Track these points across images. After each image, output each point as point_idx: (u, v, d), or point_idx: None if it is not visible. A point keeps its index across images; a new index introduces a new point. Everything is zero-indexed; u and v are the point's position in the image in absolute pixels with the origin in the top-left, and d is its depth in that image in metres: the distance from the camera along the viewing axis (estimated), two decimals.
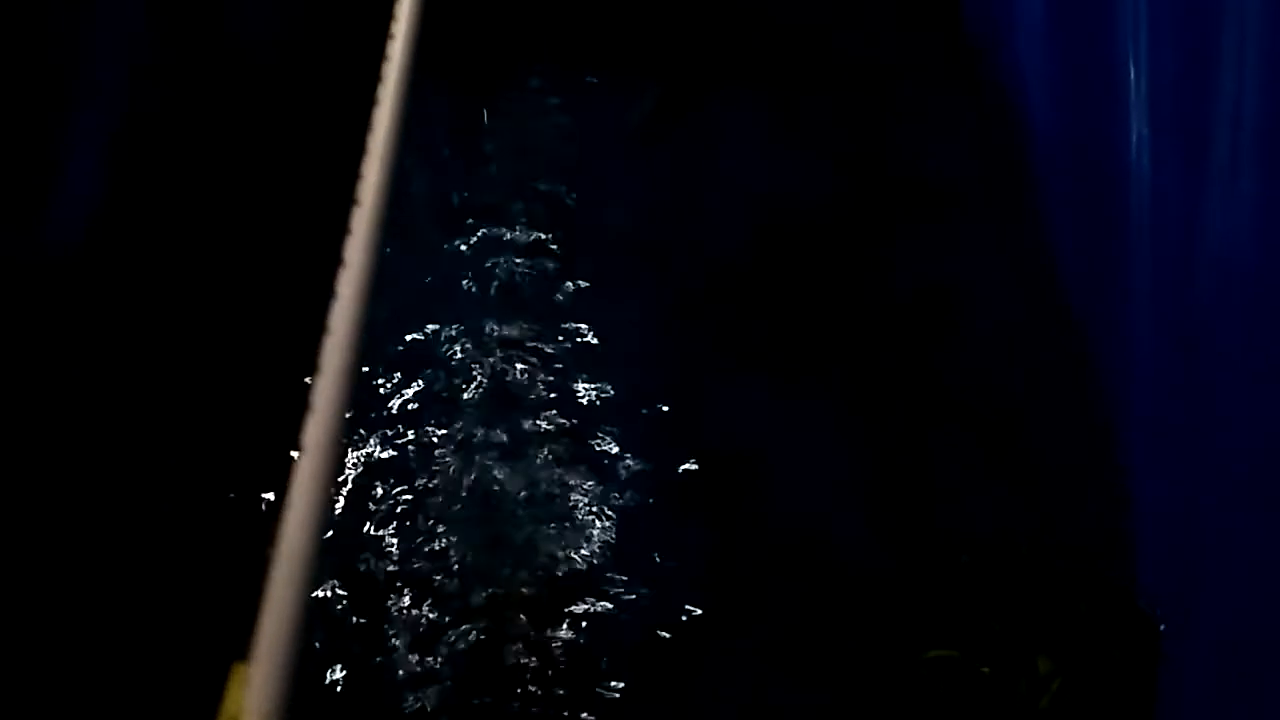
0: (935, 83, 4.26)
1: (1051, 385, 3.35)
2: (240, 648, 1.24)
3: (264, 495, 2.87)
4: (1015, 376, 3.38)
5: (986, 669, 2.70)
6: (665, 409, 3.31)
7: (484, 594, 2.90)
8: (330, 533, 2.68)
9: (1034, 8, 3.72)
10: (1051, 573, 2.88)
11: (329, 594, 2.84)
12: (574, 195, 3.89)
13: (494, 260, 3.66)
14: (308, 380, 1.42)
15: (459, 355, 3.42)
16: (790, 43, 4.42)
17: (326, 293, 1.36)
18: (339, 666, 2.74)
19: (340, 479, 2.71)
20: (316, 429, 1.39)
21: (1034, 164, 3.73)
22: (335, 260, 1.37)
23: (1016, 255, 3.65)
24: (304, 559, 1.28)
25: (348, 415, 1.43)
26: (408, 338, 3.42)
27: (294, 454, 1.35)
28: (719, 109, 4.19)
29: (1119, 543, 2.92)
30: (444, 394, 3.33)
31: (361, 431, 3.17)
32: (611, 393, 3.34)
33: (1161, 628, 2.74)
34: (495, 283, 3.60)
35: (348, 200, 1.44)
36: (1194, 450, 2.65)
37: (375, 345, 3.33)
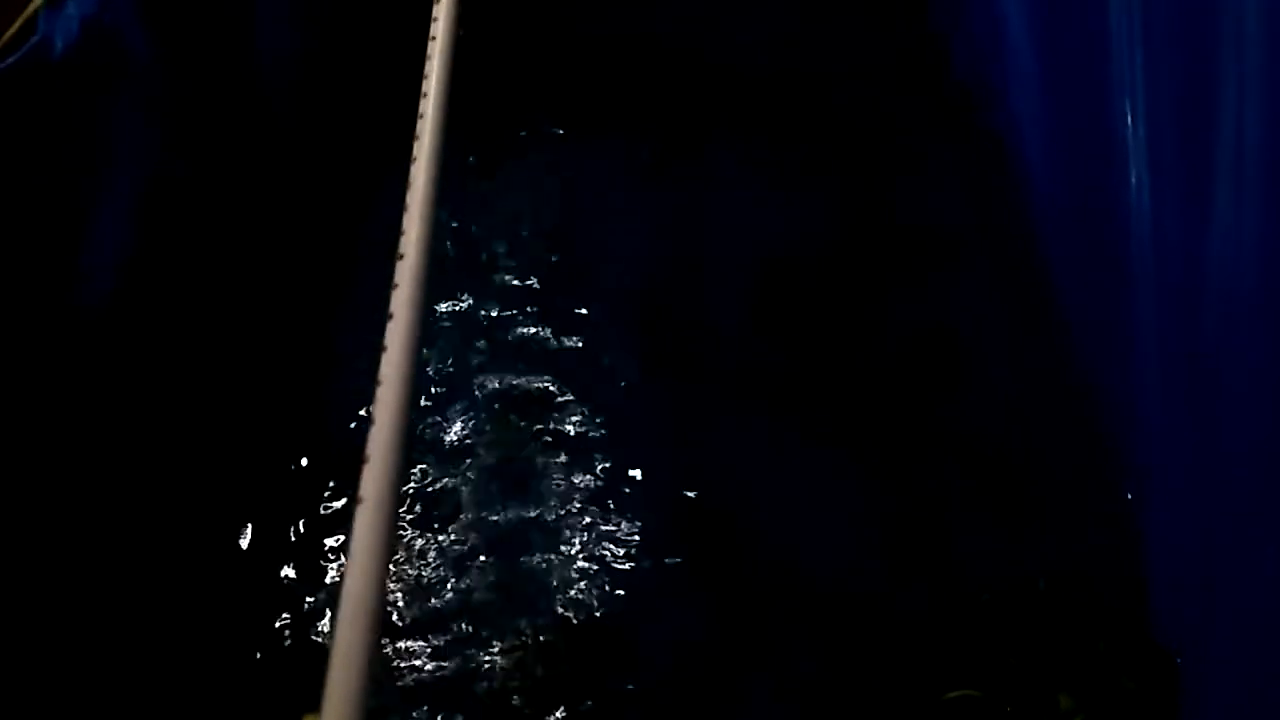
0: (927, 131, 4.36)
1: (1056, 426, 3.39)
2: (310, 698, 1.25)
3: (296, 536, 2.89)
4: (1020, 418, 3.43)
5: (1009, 708, 2.71)
6: (666, 456, 3.33)
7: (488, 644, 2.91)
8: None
9: (1025, 57, 3.81)
10: (1068, 609, 2.91)
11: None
12: (574, 245, 3.95)
13: (492, 308, 3.70)
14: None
15: (454, 400, 3.44)
16: (782, 95, 4.52)
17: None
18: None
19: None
20: (374, 479, 1.42)
21: (1032, 209, 3.80)
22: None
23: (1018, 300, 3.71)
24: (370, 609, 1.30)
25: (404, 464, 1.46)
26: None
27: (356, 502, 1.37)
28: (716, 159, 4.27)
29: (1132, 577, 2.95)
30: (443, 440, 3.35)
31: None
32: (613, 441, 3.37)
33: (1178, 660, 2.76)
34: (493, 330, 3.64)
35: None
36: (1203, 484, 2.68)
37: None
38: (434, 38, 2.00)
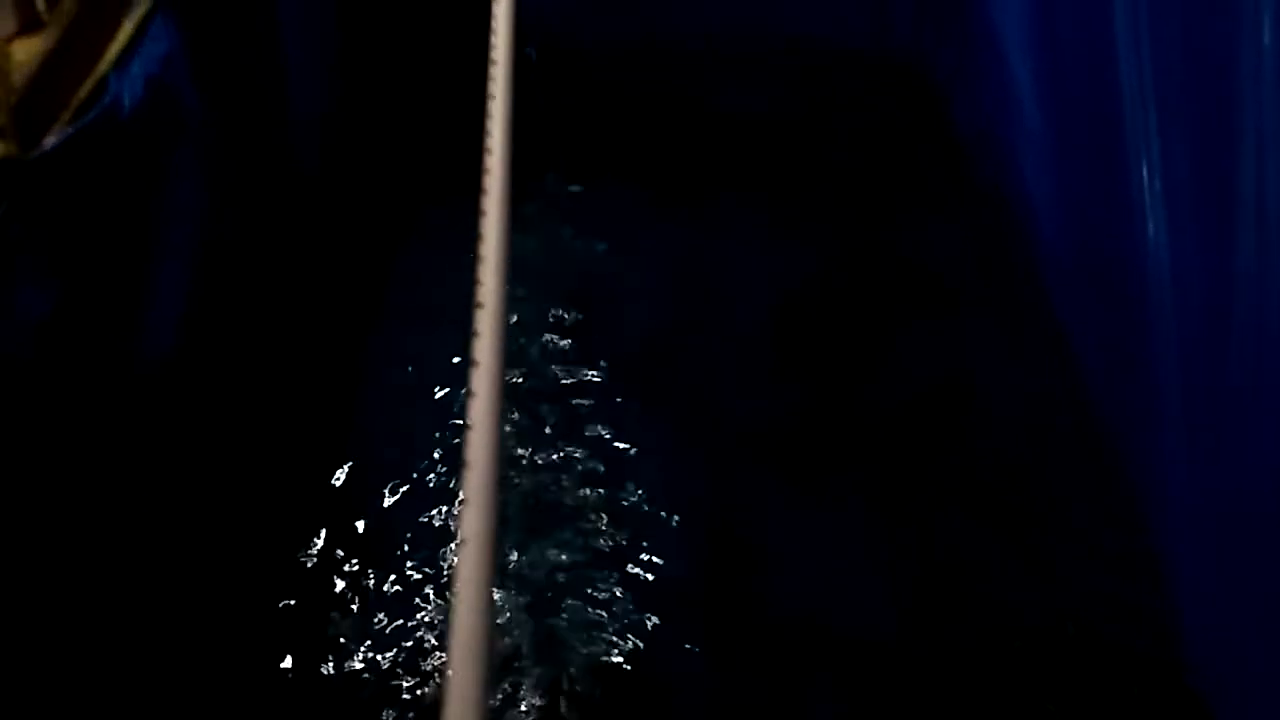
0: (930, 180, 4.47)
1: (1074, 472, 3.43)
2: None
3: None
4: (1038, 465, 3.46)
5: None
6: (683, 504, 3.35)
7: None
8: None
9: (1032, 113, 3.92)
10: (1100, 654, 2.93)
11: None
12: (585, 289, 3.99)
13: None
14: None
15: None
16: (784, 147, 4.62)
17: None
18: None
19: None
20: (473, 520, 1.44)
21: (1040, 258, 3.89)
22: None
23: (1028, 346, 3.78)
24: (481, 644, 1.32)
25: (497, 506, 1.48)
26: (431, 427, 3.48)
27: (456, 545, 1.39)
28: (721, 212, 4.34)
29: (1162, 622, 2.98)
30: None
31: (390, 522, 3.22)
32: (632, 494, 3.38)
33: (1211, 704, 2.78)
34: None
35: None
36: (1233, 530, 2.72)
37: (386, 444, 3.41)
38: (493, 96, 2.05)
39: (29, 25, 2.19)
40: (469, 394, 1.60)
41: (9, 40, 2.02)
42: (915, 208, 4.39)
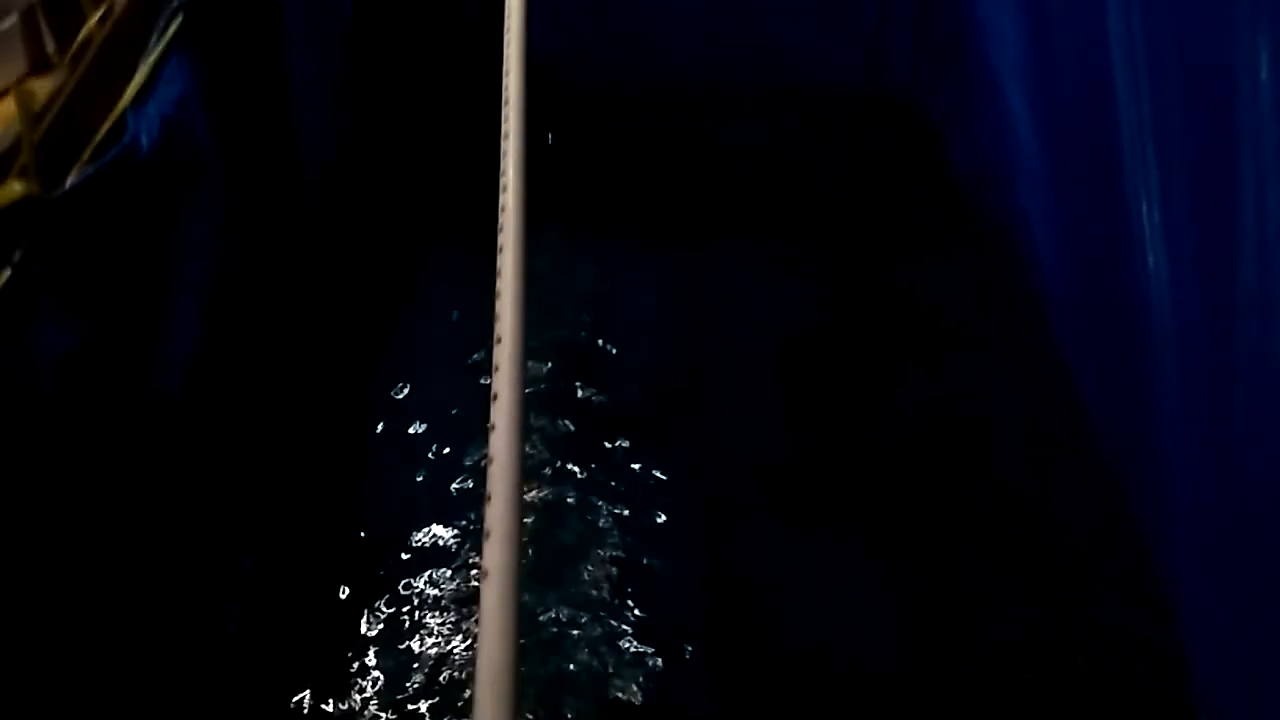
0: (928, 218, 4.51)
1: (1078, 503, 3.44)
2: None
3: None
4: (1042, 498, 3.47)
5: None
6: (691, 545, 3.35)
7: None
8: None
9: (1030, 150, 3.96)
10: (1109, 684, 2.93)
11: None
12: (588, 336, 4.01)
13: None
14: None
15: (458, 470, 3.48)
16: (784, 185, 4.66)
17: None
18: None
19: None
20: (495, 552, 1.44)
21: (1041, 292, 3.91)
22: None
23: (1030, 381, 3.79)
24: (507, 677, 1.31)
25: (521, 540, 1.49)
26: (430, 468, 3.48)
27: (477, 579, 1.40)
28: (723, 251, 4.37)
29: (1169, 654, 2.98)
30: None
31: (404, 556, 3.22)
32: (637, 533, 3.38)
33: None
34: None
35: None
36: (1236, 558, 2.72)
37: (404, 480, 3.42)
38: (507, 135, 2.08)
39: (39, 66, 2.23)
40: (490, 427, 1.61)
41: (20, 80, 2.06)
42: (914, 244, 4.43)
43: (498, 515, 1.49)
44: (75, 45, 2.50)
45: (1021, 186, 4.04)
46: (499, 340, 1.74)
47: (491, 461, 1.56)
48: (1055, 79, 3.80)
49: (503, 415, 1.62)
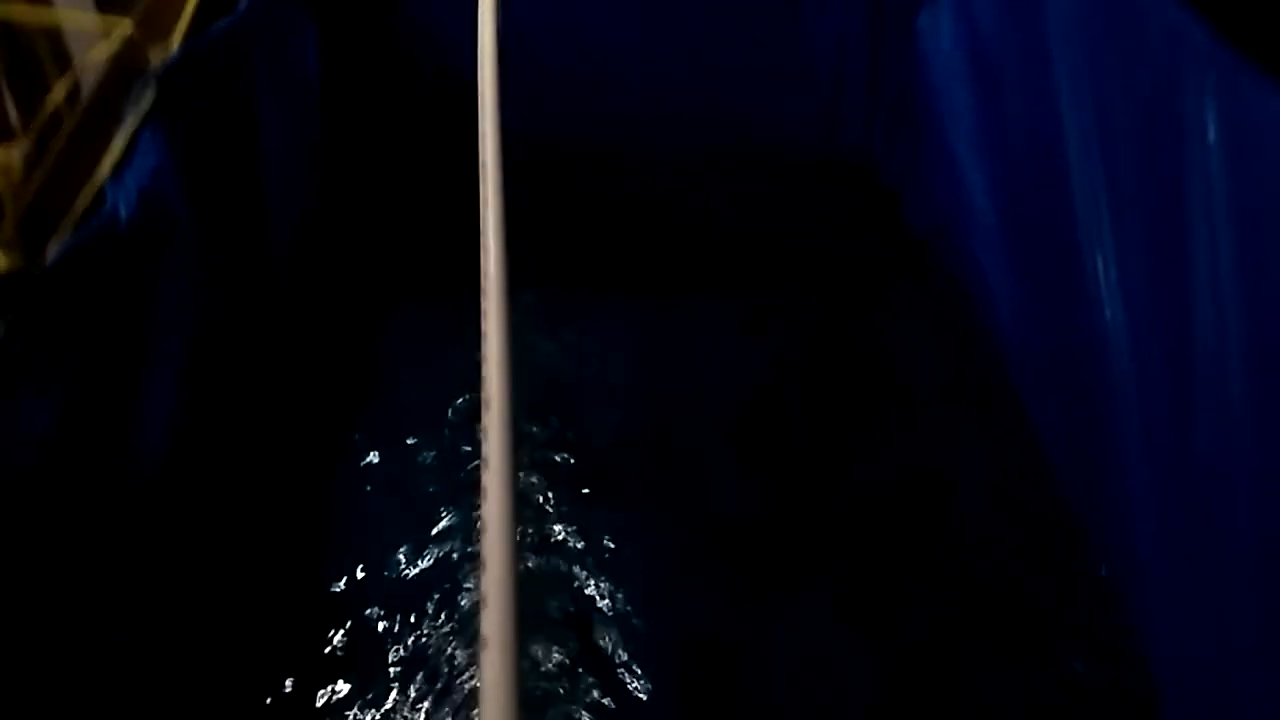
0: (889, 278, 4.59)
1: (1046, 557, 3.48)
2: None
3: None
4: (1010, 552, 3.51)
5: None
6: (659, 608, 3.34)
7: None
8: None
9: (986, 212, 4.06)
10: None
11: None
12: (556, 398, 4.02)
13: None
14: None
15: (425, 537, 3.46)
16: (748, 247, 4.74)
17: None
18: None
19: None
20: (494, 621, 1.44)
21: (1001, 349, 3.99)
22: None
23: (994, 436, 3.85)
24: None
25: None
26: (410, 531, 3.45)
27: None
28: (689, 312, 4.42)
29: (1140, 703, 3.01)
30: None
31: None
32: (604, 597, 3.37)
33: None
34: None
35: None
36: (1205, 606, 2.77)
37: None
38: (485, 201, 2.11)
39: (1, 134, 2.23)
40: (481, 493, 1.61)
41: None
42: (875, 301, 4.50)
43: (493, 583, 1.48)
44: (42, 115, 2.51)
45: (978, 244, 4.14)
46: (487, 405, 1.75)
47: (485, 529, 1.56)
48: (1007, 140, 3.91)
49: (494, 481, 1.62)
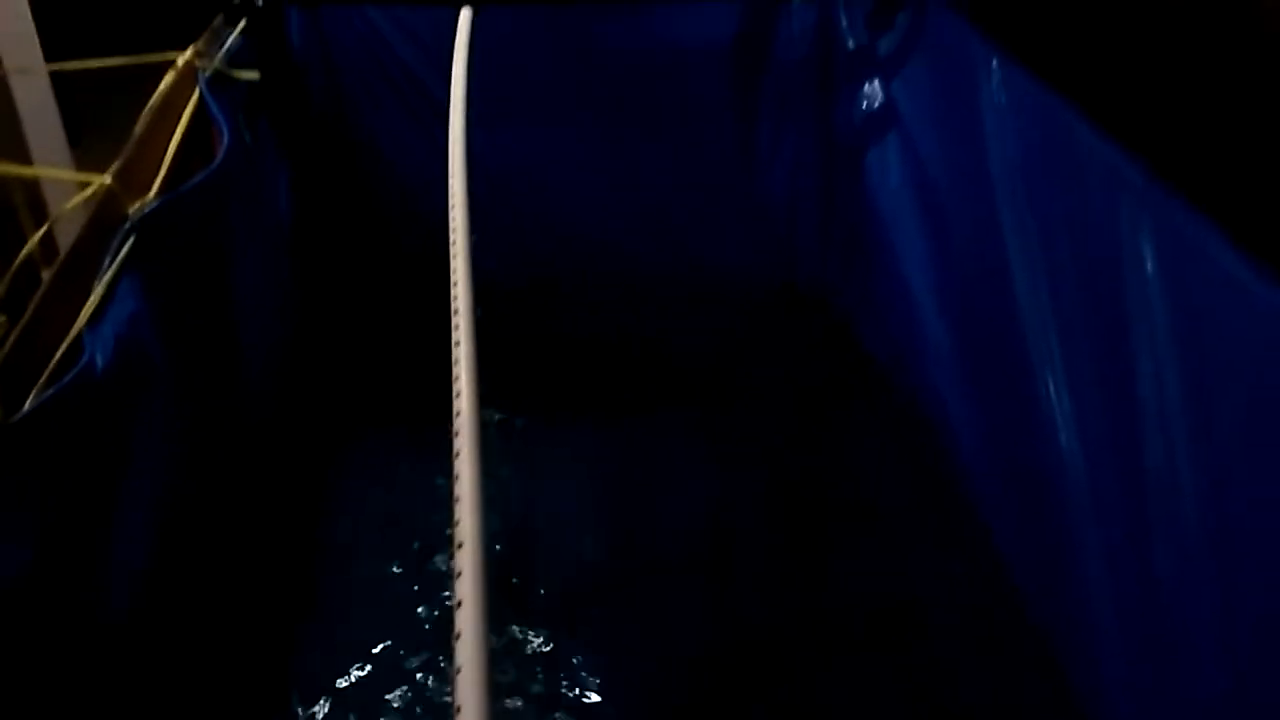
0: (848, 403, 4.69)
1: (1017, 681, 3.49)
2: None
3: None
4: (981, 676, 3.52)
5: None
6: None
7: None
8: None
9: (937, 333, 4.19)
10: None
11: None
12: (521, 529, 4.03)
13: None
14: None
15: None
16: (709, 374, 4.83)
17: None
18: None
19: None
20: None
21: (961, 473, 4.06)
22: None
23: (959, 561, 3.88)
24: None
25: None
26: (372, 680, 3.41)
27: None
28: (654, 439, 4.47)
29: None
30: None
31: None
32: None
33: None
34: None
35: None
36: None
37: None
38: (457, 342, 2.17)
39: None
40: (455, 635, 1.63)
41: None
42: (836, 427, 4.59)
43: (465, 687, 1.50)
44: (16, 262, 2.56)
45: (933, 369, 4.25)
46: (459, 545, 1.77)
47: (460, 670, 1.57)
48: (957, 270, 4.07)
49: (468, 620, 1.64)
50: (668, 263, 5.23)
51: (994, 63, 3.66)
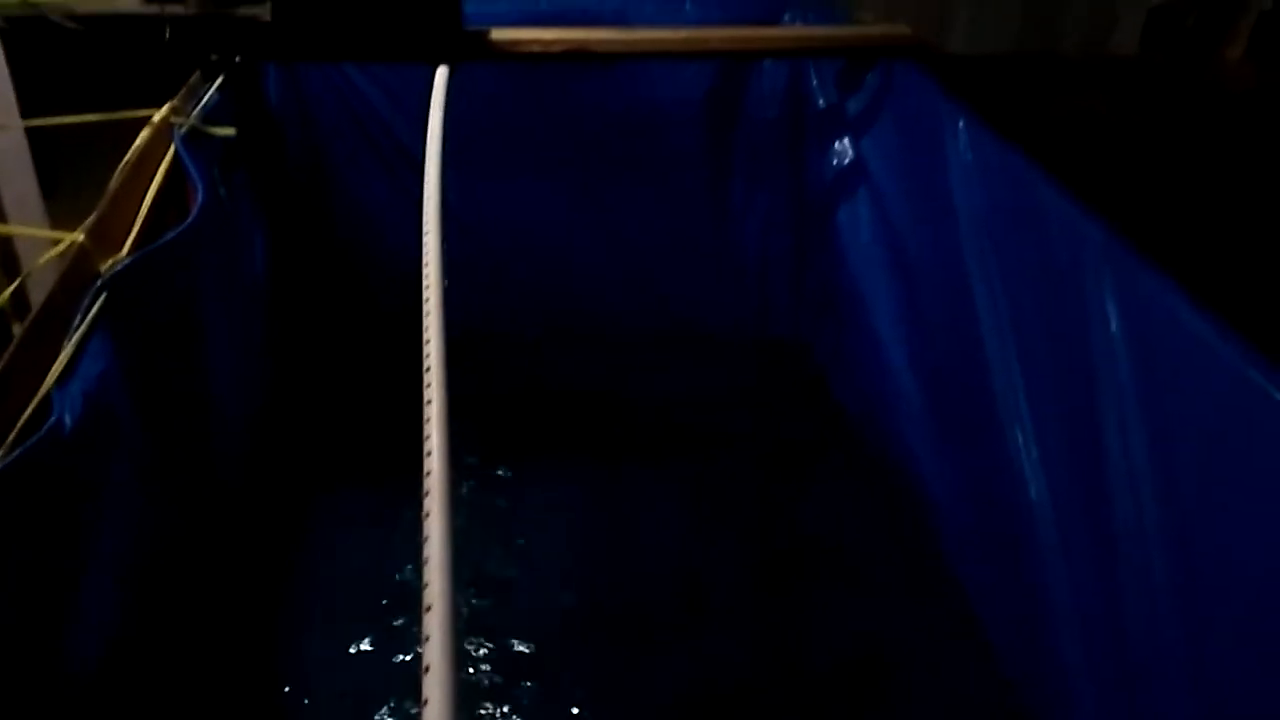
0: (820, 451, 4.72)
1: None
2: None
3: None
4: None
5: None
6: None
7: None
8: None
9: (908, 386, 4.23)
10: None
11: None
12: (499, 581, 4.02)
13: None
14: None
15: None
16: (686, 427, 4.86)
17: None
18: None
19: None
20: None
21: (935, 528, 4.08)
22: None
23: (934, 616, 3.89)
24: None
25: None
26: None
27: None
28: (632, 491, 4.48)
29: None
30: None
31: None
32: None
33: None
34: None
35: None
36: None
37: None
38: (429, 401, 2.17)
39: None
40: (422, 700, 1.62)
41: None
42: (808, 477, 4.62)
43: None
44: None
45: (904, 421, 4.28)
46: (428, 608, 1.76)
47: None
48: (926, 324, 4.12)
49: (435, 687, 1.63)
50: (644, 315, 5.29)
51: (960, 123, 3.74)
